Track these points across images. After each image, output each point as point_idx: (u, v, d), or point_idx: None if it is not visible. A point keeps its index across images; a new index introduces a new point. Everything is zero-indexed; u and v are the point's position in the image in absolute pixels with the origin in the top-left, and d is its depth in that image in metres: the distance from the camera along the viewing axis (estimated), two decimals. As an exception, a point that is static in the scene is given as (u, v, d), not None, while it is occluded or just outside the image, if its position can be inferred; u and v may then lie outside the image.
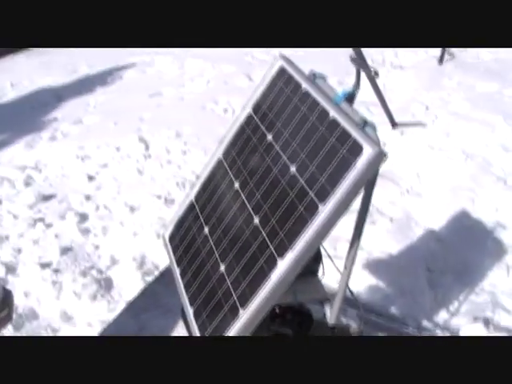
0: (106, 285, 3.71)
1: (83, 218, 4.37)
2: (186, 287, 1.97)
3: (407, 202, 4.49)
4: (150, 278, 3.72)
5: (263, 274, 1.64)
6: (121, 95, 6.70)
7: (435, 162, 5.02)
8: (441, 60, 7.21)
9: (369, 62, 5.95)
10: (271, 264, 1.63)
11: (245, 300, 1.67)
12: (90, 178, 4.90)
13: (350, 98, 1.75)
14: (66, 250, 4.02)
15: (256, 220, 1.76)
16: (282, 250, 1.61)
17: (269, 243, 1.67)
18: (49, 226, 4.30)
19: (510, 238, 4.19)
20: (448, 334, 3.34)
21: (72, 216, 4.35)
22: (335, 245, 3.66)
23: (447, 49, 7.19)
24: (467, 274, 3.88)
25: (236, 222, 1.84)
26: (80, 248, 4.05)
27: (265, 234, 1.70)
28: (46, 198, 4.66)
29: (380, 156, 1.47)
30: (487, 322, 3.45)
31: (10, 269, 3.85)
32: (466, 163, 5.00)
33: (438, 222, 4.31)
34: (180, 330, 2.93)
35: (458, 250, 4.07)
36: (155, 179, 4.86)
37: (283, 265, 1.59)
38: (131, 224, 4.28)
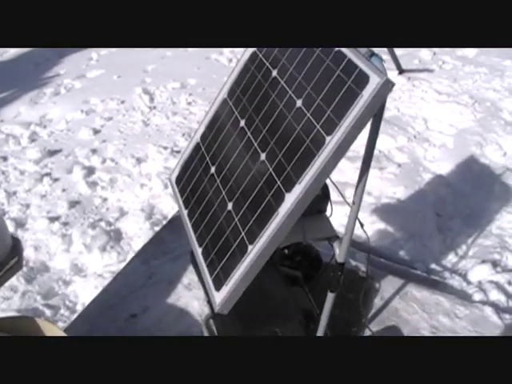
0: (116, 236, 3.73)
1: (90, 171, 4.36)
2: (194, 227, 1.96)
3: (415, 148, 4.46)
4: (158, 229, 3.74)
5: (271, 210, 1.63)
6: (124, 48, 6.62)
7: (443, 107, 4.96)
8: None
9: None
10: (279, 199, 1.61)
11: (253, 236, 1.66)
12: (96, 132, 4.88)
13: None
14: (74, 204, 4.03)
15: (262, 156, 1.74)
16: (289, 185, 1.60)
17: (276, 178, 1.65)
18: (56, 180, 4.31)
19: (518, 183, 4.18)
20: (456, 277, 3.34)
21: (79, 170, 4.35)
22: (343, 191, 3.64)
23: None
24: (475, 218, 3.87)
25: (242, 159, 1.82)
26: (88, 201, 4.06)
27: (272, 170, 1.68)
28: (52, 153, 4.65)
29: (387, 85, 1.44)
30: (495, 264, 3.45)
31: (20, 224, 3.87)
32: (474, 108, 4.94)
33: (446, 168, 4.28)
34: (189, 275, 2.96)
35: (467, 195, 4.05)
36: (161, 130, 4.84)
37: (291, 199, 1.57)
38: (138, 175, 4.28)
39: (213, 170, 1.96)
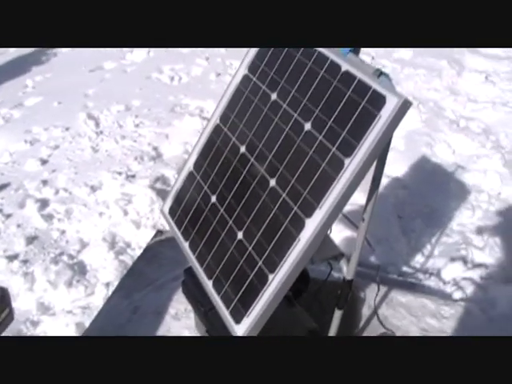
0: (80, 269, 3.60)
1: (44, 203, 4.20)
2: (199, 259, 1.90)
3: (369, 153, 4.52)
4: (123, 257, 3.63)
5: (290, 236, 1.60)
6: (59, 73, 6.43)
7: (389, 110, 5.06)
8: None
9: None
10: (298, 225, 1.58)
11: (273, 265, 1.63)
12: (44, 162, 4.71)
13: (355, 50, 1.71)
14: (31, 239, 3.86)
15: (272, 182, 1.70)
16: (308, 210, 1.57)
17: (292, 204, 1.62)
18: (9, 216, 4.12)
19: (471, 179, 4.29)
20: (428, 276, 3.40)
21: (32, 203, 4.17)
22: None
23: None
24: (436, 217, 3.95)
25: (248, 186, 1.78)
26: (46, 235, 3.91)
27: (285, 195, 1.65)
28: (0, 187, 4.45)
29: (406, 105, 1.44)
30: (465, 261, 3.54)
31: (-25, 265, 3.68)
32: (419, 109, 5.06)
33: (401, 170, 4.36)
34: (174, 305, 2.88)
35: (424, 195, 4.14)
36: (112, 155, 4.71)
37: (312, 224, 1.55)
38: (95, 204, 4.15)
39: (213, 199, 1.91)
